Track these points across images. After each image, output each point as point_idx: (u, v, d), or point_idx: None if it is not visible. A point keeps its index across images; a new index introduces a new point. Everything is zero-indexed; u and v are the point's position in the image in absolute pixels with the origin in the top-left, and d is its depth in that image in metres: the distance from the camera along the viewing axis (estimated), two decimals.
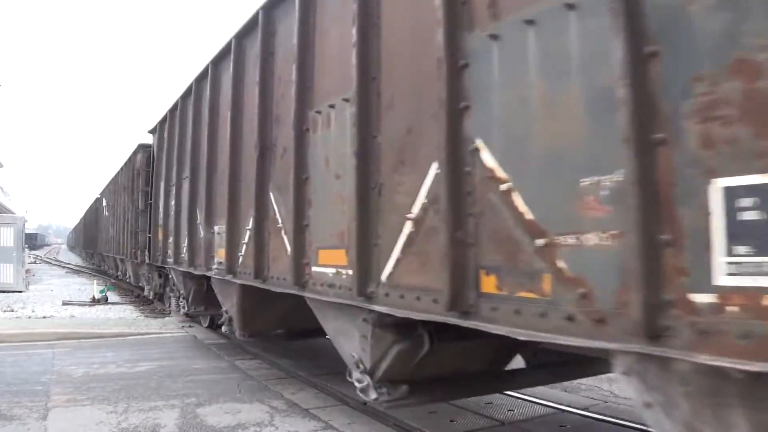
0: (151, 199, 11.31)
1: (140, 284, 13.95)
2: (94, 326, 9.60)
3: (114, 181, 18.38)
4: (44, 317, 10.81)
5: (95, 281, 17.82)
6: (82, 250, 43.34)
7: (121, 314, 11.72)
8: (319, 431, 4.49)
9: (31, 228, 58.83)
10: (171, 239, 8.87)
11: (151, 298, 12.86)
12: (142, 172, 12.41)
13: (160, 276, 11.53)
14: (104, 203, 22.04)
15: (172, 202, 8.82)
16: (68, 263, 36.63)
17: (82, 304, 13.09)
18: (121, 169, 16.11)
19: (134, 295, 15.49)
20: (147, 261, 11.57)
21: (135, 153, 13.28)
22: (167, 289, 10.90)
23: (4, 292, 15.07)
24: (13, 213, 27.38)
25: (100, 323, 10.10)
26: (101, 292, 14.14)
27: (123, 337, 8.86)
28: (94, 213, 28.24)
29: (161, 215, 9.89)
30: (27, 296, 14.71)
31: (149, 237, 11.31)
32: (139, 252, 12.39)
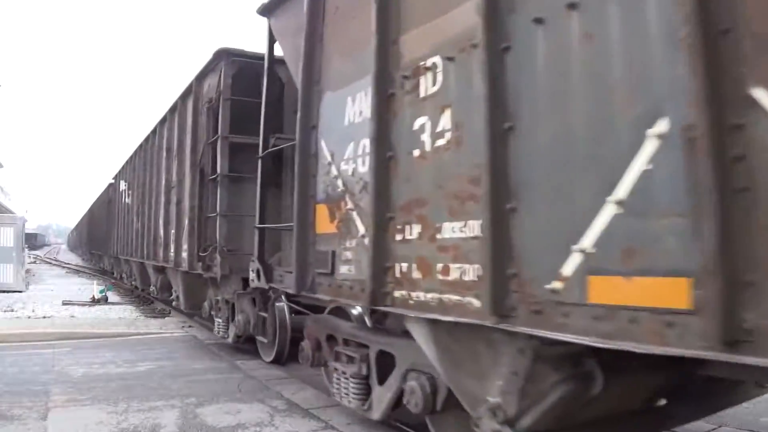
0: (280, 141, 5.51)
1: (201, 313, 8.82)
2: (94, 326, 9.59)
3: (143, 148, 12.56)
4: (44, 317, 10.80)
5: (95, 281, 17.81)
6: (86, 252, 36.46)
7: (121, 314, 11.70)
8: (319, 431, 4.50)
9: (31, 228, 58.80)
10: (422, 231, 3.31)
11: (230, 341, 7.59)
12: (223, 105, 6.91)
13: (255, 305, 6.97)
14: (123, 186, 15.82)
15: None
16: (68, 263, 36.59)
17: (82, 304, 13.07)
18: (164, 119, 10.23)
19: (134, 295, 15.42)
20: (259, 283, 5.41)
21: (202, 77, 7.88)
22: (284, 337, 6.62)
23: (4, 292, 15.06)
24: (13, 213, 27.38)
25: (100, 323, 10.09)
26: (101, 292, 14.13)
27: (123, 337, 8.85)
28: (104, 206, 22.12)
29: (337, 174, 4.16)
30: (27, 296, 14.69)
31: (262, 231, 5.52)
32: (218, 259, 6.88)
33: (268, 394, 5.53)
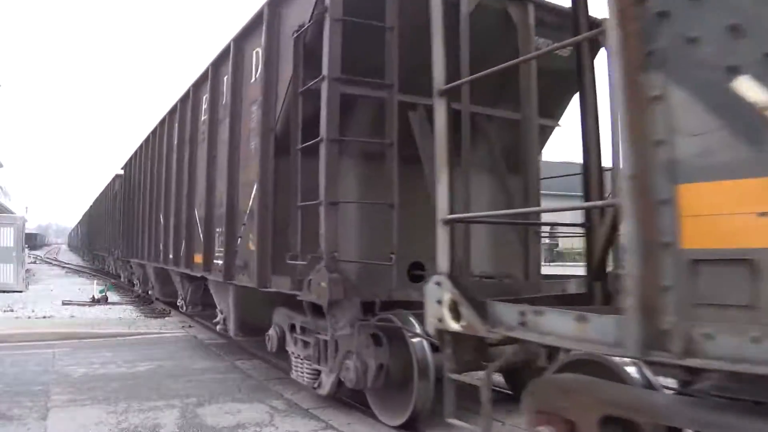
0: None
1: (267, 346, 5.87)
2: (94, 326, 9.60)
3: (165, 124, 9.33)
4: (44, 317, 10.81)
5: (95, 281, 17.80)
6: (118, 253, 18.62)
7: (121, 314, 11.71)
8: (319, 431, 4.50)
9: (31, 228, 58.76)
10: None
11: (325, 392, 4.94)
12: (332, 29, 4.11)
13: (377, 342, 4.41)
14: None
15: None
16: (68, 263, 36.59)
17: (82, 304, 13.08)
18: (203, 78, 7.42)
19: (134, 295, 15.40)
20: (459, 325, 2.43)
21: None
22: None
23: (4, 292, 15.07)
24: (13, 213, 27.38)
25: (100, 323, 10.09)
26: (101, 292, 14.14)
27: (123, 337, 8.86)
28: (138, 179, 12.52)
29: None
30: (27, 296, 14.70)
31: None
32: (327, 276, 4.31)
33: (268, 394, 5.53)
